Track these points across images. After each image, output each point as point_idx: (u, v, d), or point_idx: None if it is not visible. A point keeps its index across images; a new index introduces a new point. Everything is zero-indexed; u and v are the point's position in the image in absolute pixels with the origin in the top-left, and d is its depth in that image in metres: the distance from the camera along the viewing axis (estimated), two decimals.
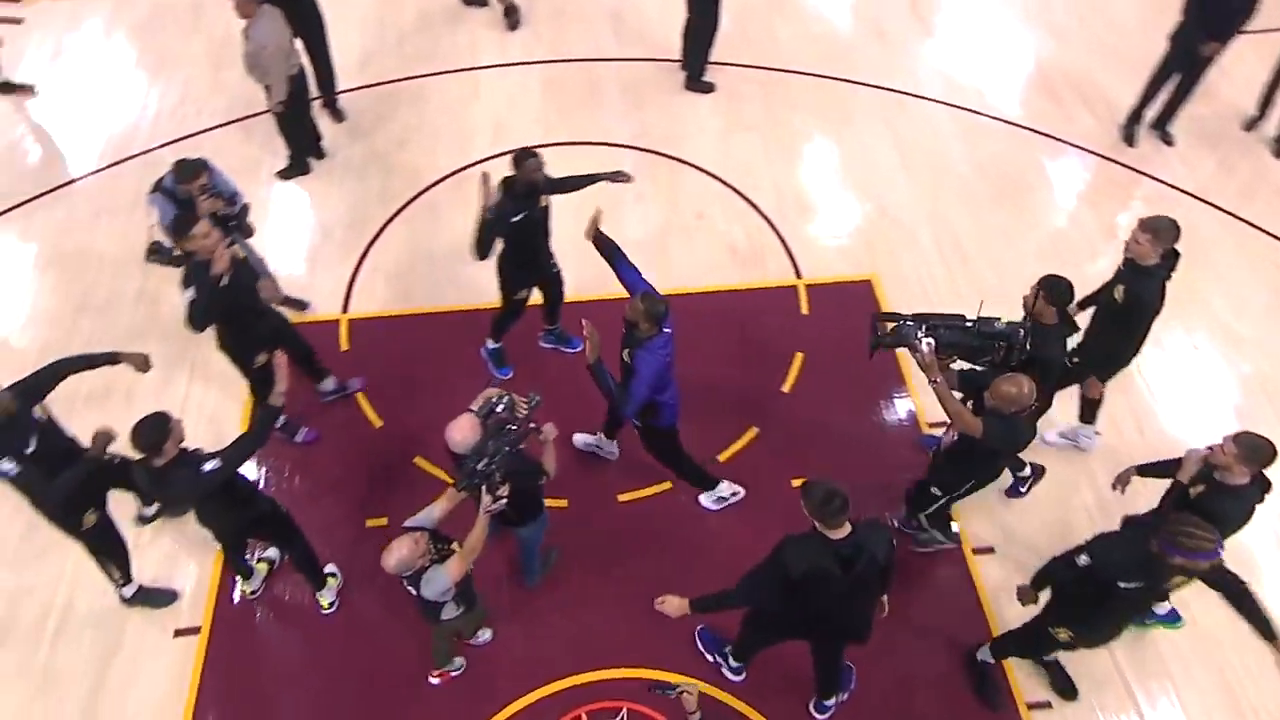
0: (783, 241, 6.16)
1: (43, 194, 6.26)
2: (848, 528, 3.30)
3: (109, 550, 4.27)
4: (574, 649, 4.33)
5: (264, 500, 4.14)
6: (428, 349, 5.46)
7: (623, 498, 4.90)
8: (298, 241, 6.06)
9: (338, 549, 4.60)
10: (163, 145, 6.57)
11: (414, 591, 3.54)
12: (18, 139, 6.56)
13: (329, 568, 4.52)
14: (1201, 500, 3.63)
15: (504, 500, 3.54)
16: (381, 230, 6.14)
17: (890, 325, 3.99)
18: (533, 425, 3.72)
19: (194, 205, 4.50)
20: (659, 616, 3.58)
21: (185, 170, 4.57)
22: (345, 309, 5.66)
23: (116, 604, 4.48)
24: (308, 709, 4.20)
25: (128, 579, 4.37)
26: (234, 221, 4.77)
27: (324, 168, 6.52)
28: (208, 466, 3.62)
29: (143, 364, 4.17)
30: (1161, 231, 4.20)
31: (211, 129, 6.71)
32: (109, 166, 6.48)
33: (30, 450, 3.72)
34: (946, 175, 6.61)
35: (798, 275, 5.95)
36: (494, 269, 4.87)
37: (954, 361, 4.06)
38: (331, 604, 4.47)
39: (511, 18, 7.60)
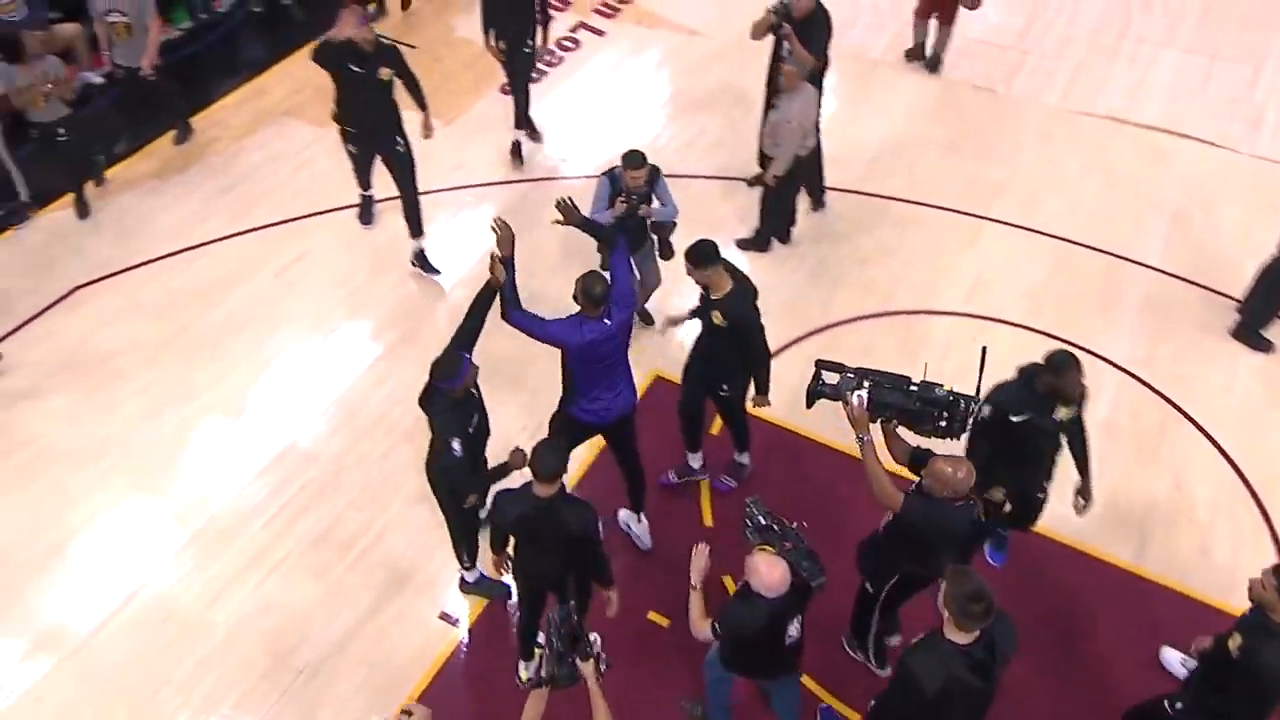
0: None
1: (535, 179, 7.62)
2: (978, 632, 3.28)
3: (470, 533, 4.89)
4: None
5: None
6: (789, 470, 5.58)
7: None
8: None
9: (611, 625, 4.79)
10: None
11: None
12: (544, 126, 8.08)
13: (592, 635, 4.73)
14: None
15: (606, 662, 3.47)
16: (802, 338, 6.41)
17: (833, 376, 4.19)
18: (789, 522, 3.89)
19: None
20: None
21: (631, 159, 5.45)
22: None
23: (412, 555, 5.20)
24: None
25: (473, 564, 4.98)
26: (655, 233, 5.79)
27: (782, 253, 7.03)
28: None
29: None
30: None
31: (699, 176, 7.63)
32: (595, 175, 7.67)
33: (471, 429, 4.38)
34: None
35: None
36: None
37: (896, 425, 4.18)
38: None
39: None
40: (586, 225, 4.92)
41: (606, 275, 4.58)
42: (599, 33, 9.17)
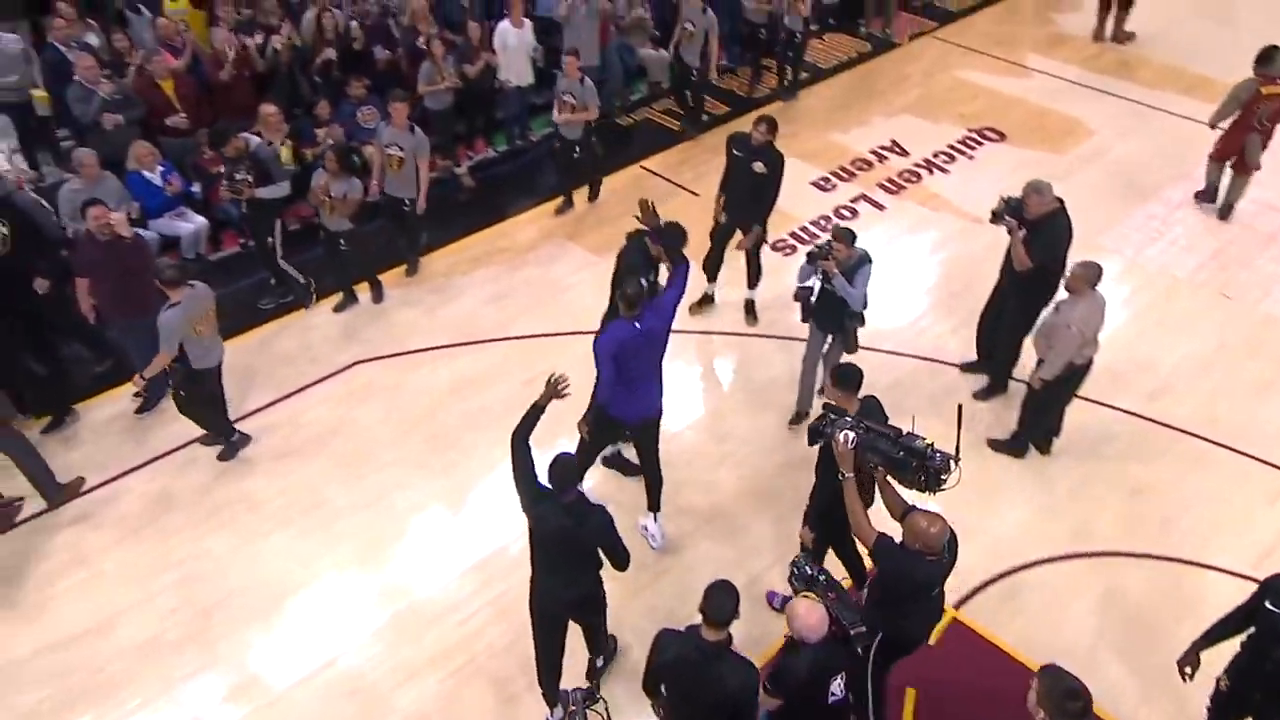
0: None
1: (779, 336, 7.83)
2: None
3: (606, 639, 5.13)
4: None
5: None
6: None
7: None
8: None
9: None
10: (888, 351, 7.53)
11: None
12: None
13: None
14: None
15: None
16: (1044, 561, 6.07)
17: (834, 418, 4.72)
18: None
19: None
20: None
21: (841, 231, 6.26)
22: (956, 606, 5.74)
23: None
24: None
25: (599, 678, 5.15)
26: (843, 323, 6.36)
27: (1039, 463, 6.74)
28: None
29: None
30: None
31: (941, 362, 7.54)
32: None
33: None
34: None
35: None
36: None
37: (885, 473, 4.60)
38: None
39: None
40: (659, 232, 5.50)
41: (643, 281, 5.45)
42: (879, 206, 9.50)
